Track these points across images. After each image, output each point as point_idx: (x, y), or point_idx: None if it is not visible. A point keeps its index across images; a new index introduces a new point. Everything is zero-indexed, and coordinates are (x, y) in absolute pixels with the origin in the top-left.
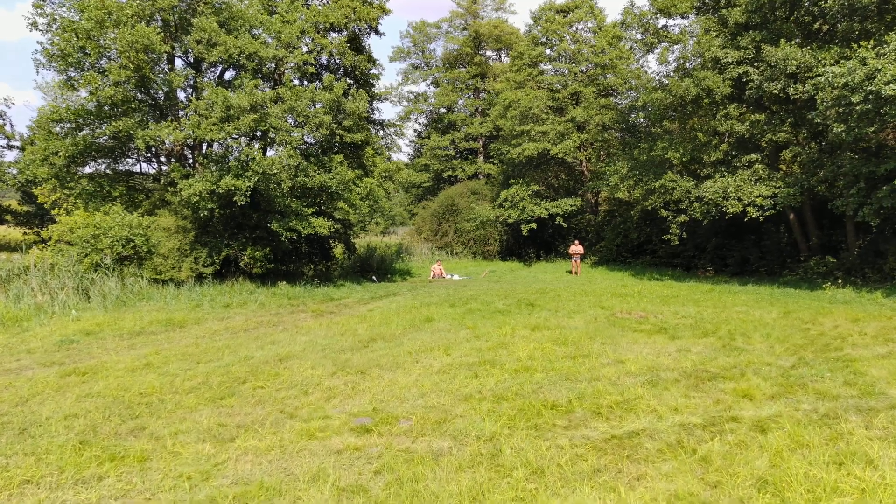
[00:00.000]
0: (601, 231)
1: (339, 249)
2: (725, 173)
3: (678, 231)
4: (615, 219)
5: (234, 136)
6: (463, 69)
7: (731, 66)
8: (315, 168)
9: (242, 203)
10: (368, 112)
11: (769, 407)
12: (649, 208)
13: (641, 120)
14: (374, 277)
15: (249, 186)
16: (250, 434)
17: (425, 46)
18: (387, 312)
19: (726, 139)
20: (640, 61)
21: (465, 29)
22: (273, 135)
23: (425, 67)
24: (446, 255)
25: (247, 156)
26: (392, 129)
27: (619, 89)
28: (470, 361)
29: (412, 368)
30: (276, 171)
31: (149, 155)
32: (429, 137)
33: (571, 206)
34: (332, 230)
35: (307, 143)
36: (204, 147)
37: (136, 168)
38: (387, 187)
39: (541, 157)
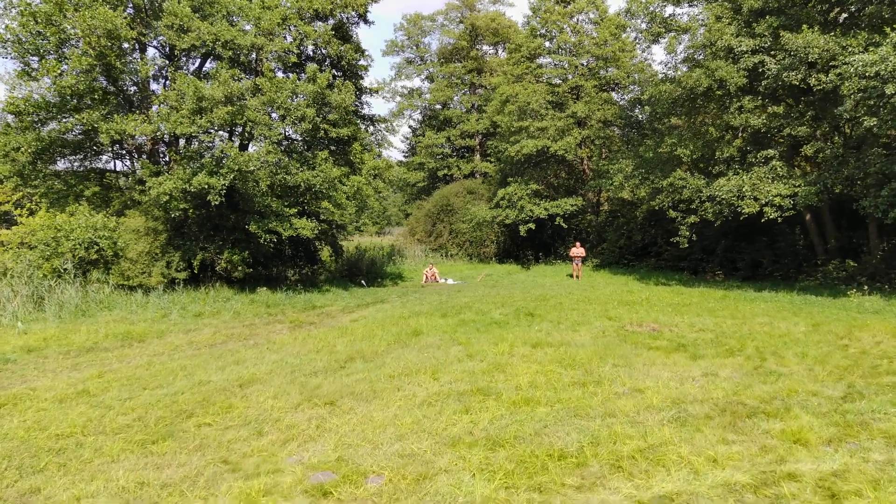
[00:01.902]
0: (602, 232)
1: (325, 252)
2: (739, 171)
3: (688, 233)
4: (618, 219)
5: (207, 129)
6: (459, 64)
7: (746, 56)
8: (297, 165)
9: (217, 203)
10: (356, 106)
11: (831, 457)
12: (656, 208)
13: (645, 116)
14: (363, 282)
15: (224, 185)
16: (174, 500)
17: (420, 40)
18: (371, 324)
19: (740, 134)
20: (645, 53)
21: (461, 22)
22: (251, 129)
23: (420, 62)
24: (441, 258)
25: (221, 151)
26: (383, 125)
27: (621, 83)
28: (461, 389)
29: (392, 398)
30: (253, 168)
31: (122, 151)
32: (423, 135)
33: (572, 206)
34: (318, 232)
35: (290, 138)
36: (182, 143)
37: (111, 166)
38: (376, 186)
39: (540, 154)
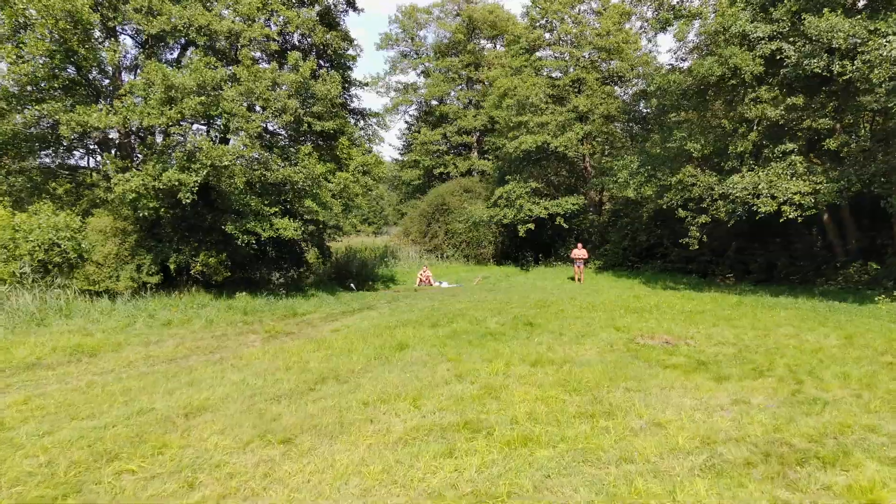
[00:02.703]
0: (605, 233)
1: (312, 254)
2: (755, 167)
3: (698, 234)
4: (621, 220)
5: (178, 121)
6: (455, 58)
7: (763, 43)
8: (278, 160)
9: (189, 201)
10: (345, 99)
11: None
12: (664, 207)
13: (651, 109)
14: (352, 285)
15: (196, 181)
16: None
17: (415, 33)
18: (353, 335)
19: (755, 127)
20: (650, 45)
21: (457, 15)
22: (227, 122)
23: (415, 56)
24: (436, 259)
25: (193, 145)
26: (374, 119)
27: (625, 76)
28: (445, 422)
29: (362, 434)
30: (227, 163)
31: (94, 146)
32: (419, 131)
33: (573, 205)
34: (304, 232)
35: (270, 131)
36: (158, 138)
37: (86, 162)
38: (365, 183)
39: (540, 151)
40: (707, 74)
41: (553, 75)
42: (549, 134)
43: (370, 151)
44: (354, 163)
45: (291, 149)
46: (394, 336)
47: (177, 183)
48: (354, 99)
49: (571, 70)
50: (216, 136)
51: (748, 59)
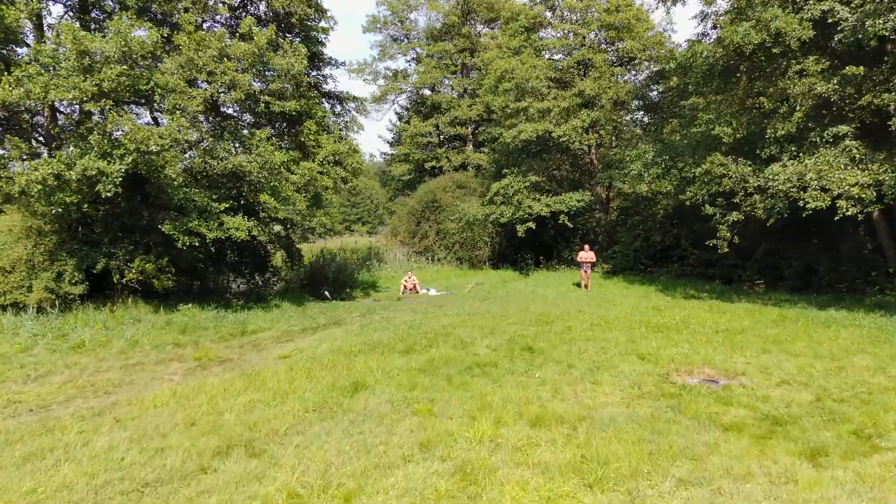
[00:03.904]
0: (613, 233)
1: (278, 258)
2: (799, 154)
3: (728, 234)
4: (632, 218)
5: (94, 96)
6: (449, 42)
7: (811, 3)
8: (229, 147)
9: (110, 194)
10: (317, 79)
11: None
12: (687, 204)
13: (668, 91)
14: (327, 293)
15: (121, 170)
16: None
17: (405, 16)
18: (301, 365)
19: (800, 105)
20: (667, 15)
21: None
22: (159, 99)
23: (405, 40)
24: (426, 262)
25: (116, 126)
26: (353, 104)
27: (636, 58)
28: None
29: None
30: (156, 147)
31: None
32: (409, 122)
33: (578, 201)
34: (267, 232)
35: (222, 113)
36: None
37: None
38: (336, 175)
39: (541, 141)
40: (742, 43)
41: (555, 58)
42: (551, 122)
43: (343, 139)
44: (324, 151)
45: (245, 132)
46: (351, 369)
47: (96, 172)
48: (329, 80)
49: (576, 51)
50: (145, 117)
51: (794, 23)
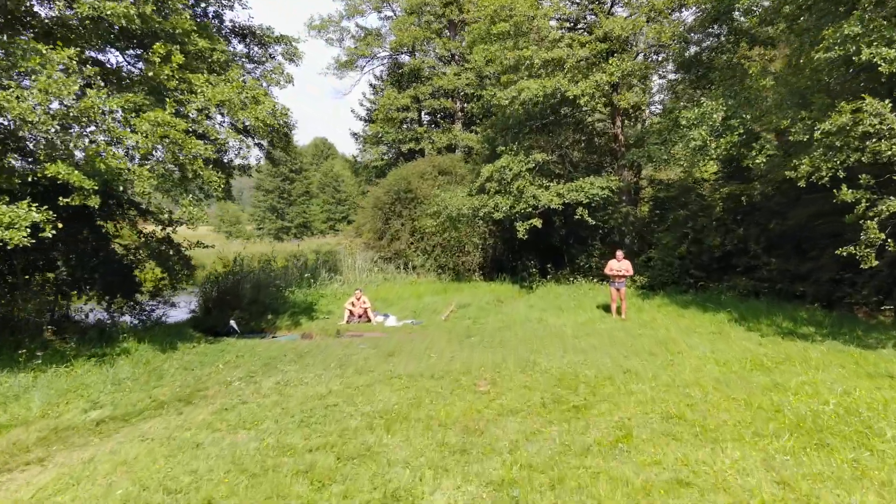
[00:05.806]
0: (646, 233)
1: (150, 272)
2: None
3: (882, 235)
4: (674, 212)
5: None
6: None
7: None
8: None
9: None
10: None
11: None
12: (801, 184)
13: (746, 20)
14: (234, 325)
15: None
16: None
17: None
18: None
19: None
20: None
21: None
22: None
23: None
24: (398, 271)
25: None
26: (279, 47)
27: None
28: None
29: None
30: None
31: None
32: (382, 93)
33: (602, 188)
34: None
35: None
36: None
37: None
38: (218, 136)
39: (548, 106)
40: None
41: None
42: (563, 77)
43: (244, 88)
44: (199, 99)
45: (16, 50)
46: None
47: None
48: (238, 8)
49: None
50: None
51: None
